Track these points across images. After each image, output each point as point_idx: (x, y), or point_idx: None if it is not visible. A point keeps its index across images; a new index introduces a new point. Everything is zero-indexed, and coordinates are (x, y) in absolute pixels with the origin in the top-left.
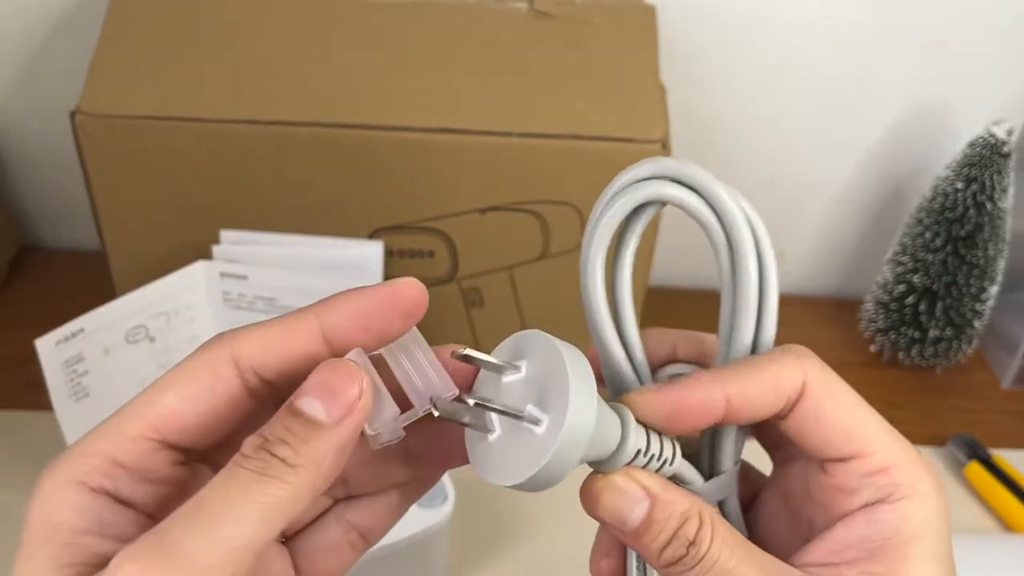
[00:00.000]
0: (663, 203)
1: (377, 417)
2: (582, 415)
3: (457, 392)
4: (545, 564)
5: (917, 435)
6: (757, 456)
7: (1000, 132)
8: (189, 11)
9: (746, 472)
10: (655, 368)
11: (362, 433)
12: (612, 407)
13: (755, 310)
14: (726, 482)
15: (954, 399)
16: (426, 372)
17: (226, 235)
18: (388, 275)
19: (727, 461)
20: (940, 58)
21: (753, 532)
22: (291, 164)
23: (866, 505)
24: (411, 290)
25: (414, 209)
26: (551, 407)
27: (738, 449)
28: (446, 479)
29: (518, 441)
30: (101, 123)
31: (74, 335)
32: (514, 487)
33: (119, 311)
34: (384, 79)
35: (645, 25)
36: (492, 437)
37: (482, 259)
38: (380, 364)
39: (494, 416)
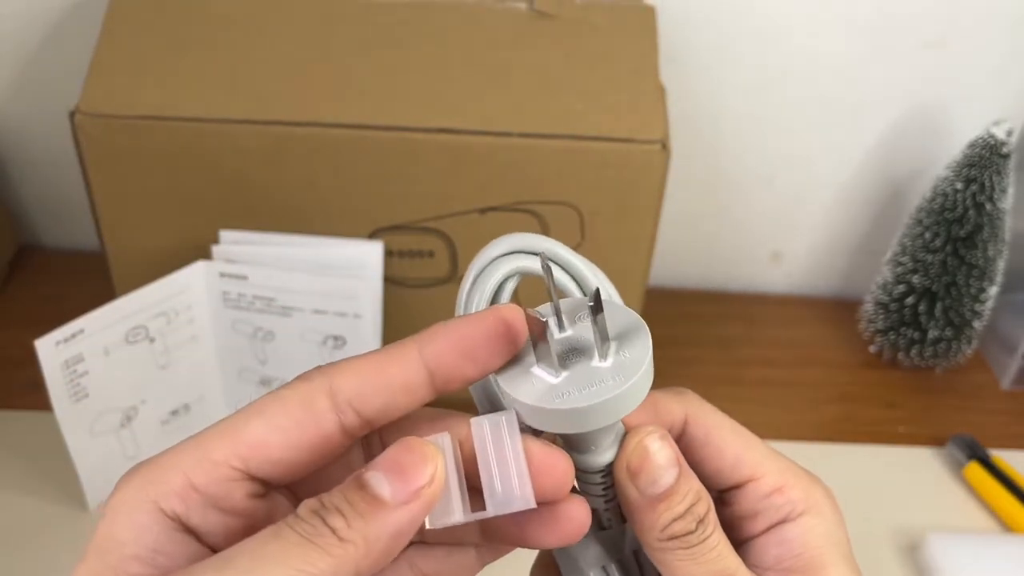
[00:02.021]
0: (523, 275)
1: (442, 514)
2: (646, 380)
3: (535, 507)
4: None
5: (916, 436)
6: None
7: (1000, 133)
8: (188, 11)
9: None
10: None
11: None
12: None
13: None
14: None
15: (953, 400)
16: (509, 474)
17: (226, 235)
18: (388, 276)
19: None
20: (940, 58)
21: None
22: (291, 164)
23: (771, 527)
24: (514, 314)
25: (414, 209)
26: (623, 365)
27: None
28: None
29: (573, 376)
30: (100, 123)
31: (74, 336)
32: (537, 408)
33: (119, 311)
34: (384, 79)
35: (645, 25)
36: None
37: None
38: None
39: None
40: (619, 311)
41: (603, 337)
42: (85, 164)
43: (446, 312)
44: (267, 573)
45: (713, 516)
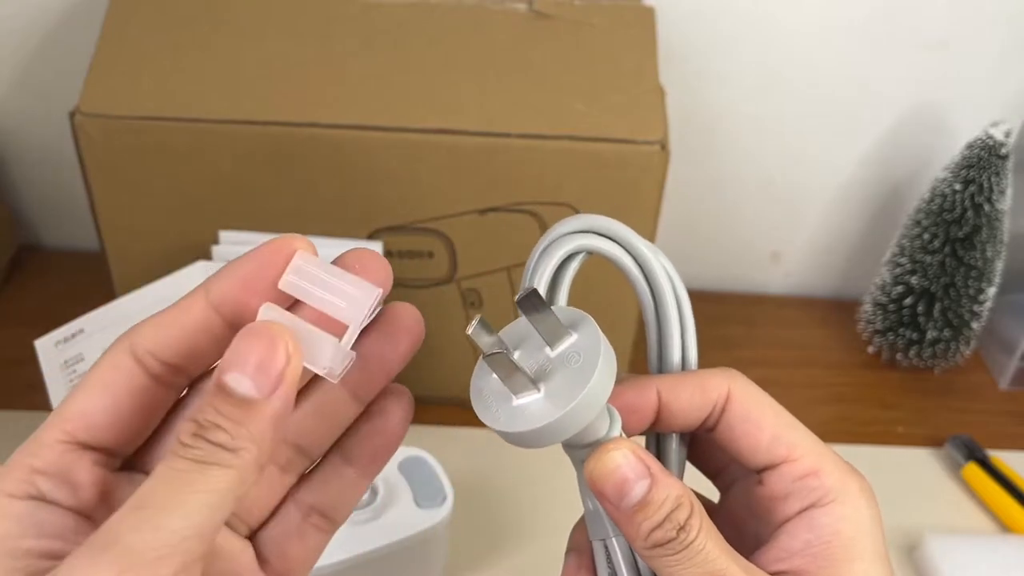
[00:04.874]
0: (589, 253)
1: (320, 356)
2: (600, 391)
3: (381, 291)
4: (544, 564)
5: (915, 436)
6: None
7: (998, 134)
8: (189, 11)
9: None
10: None
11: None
12: (607, 407)
13: (679, 337)
14: None
15: (952, 400)
16: (341, 288)
17: (225, 235)
18: None
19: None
20: (939, 59)
21: None
22: (290, 164)
23: (802, 511)
24: (296, 242)
25: (413, 210)
26: (574, 377)
27: (680, 464)
28: (444, 480)
29: (527, 395)
30: (100, 123)
31: (74, 336)
32: (502, 433)
33: (119, 311)
34: (384, 79)
35: (644, 26)
36: (494, 380)
37: (481, 260)
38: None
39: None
40: (589, 352)
41: (515, 388)
42: (85, 164)
43: (446, 312)
44: (183, 501)
45: (697, 519)
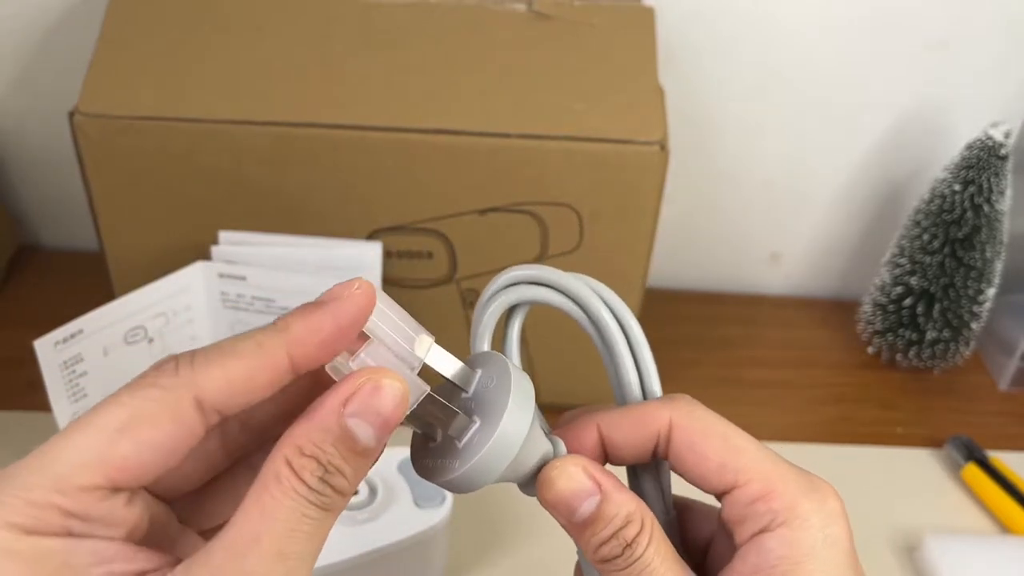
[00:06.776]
0: (528, 304)
1: (416, 393)
2: (513, 428)
3: (431, 339)
4: (543, 565)
5: (914, 437)
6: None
7: (997, 134)
8: (188, 11)
9: (709, 514)
10: None
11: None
12: (549, 437)
13: (633, 367)
14: None
15: (951, 401)
16: (407, 331)
17: (225, 236)
18: (387, 276)
19: (656, 510)
20: (939, 59)
21: (710, 569)
22: (290, 165)
23: (754, 535)
24: (365, 298)
25: (413, 210)
26: (489, 416)
27: (666, 498)
28: None
29: (453, 444)
30: (99, 123)
31: (73, 336)
32: (466, 474)
33: (118, 312)
34: (383, 79)
35: (643, 26)
36: (432, 448)
37: (480, 260)
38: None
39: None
40: (500, 371)
41: (456, 432)
42: (84, 164)
43: (445, 313)
44: (308, 545)
45: (646, 536)
